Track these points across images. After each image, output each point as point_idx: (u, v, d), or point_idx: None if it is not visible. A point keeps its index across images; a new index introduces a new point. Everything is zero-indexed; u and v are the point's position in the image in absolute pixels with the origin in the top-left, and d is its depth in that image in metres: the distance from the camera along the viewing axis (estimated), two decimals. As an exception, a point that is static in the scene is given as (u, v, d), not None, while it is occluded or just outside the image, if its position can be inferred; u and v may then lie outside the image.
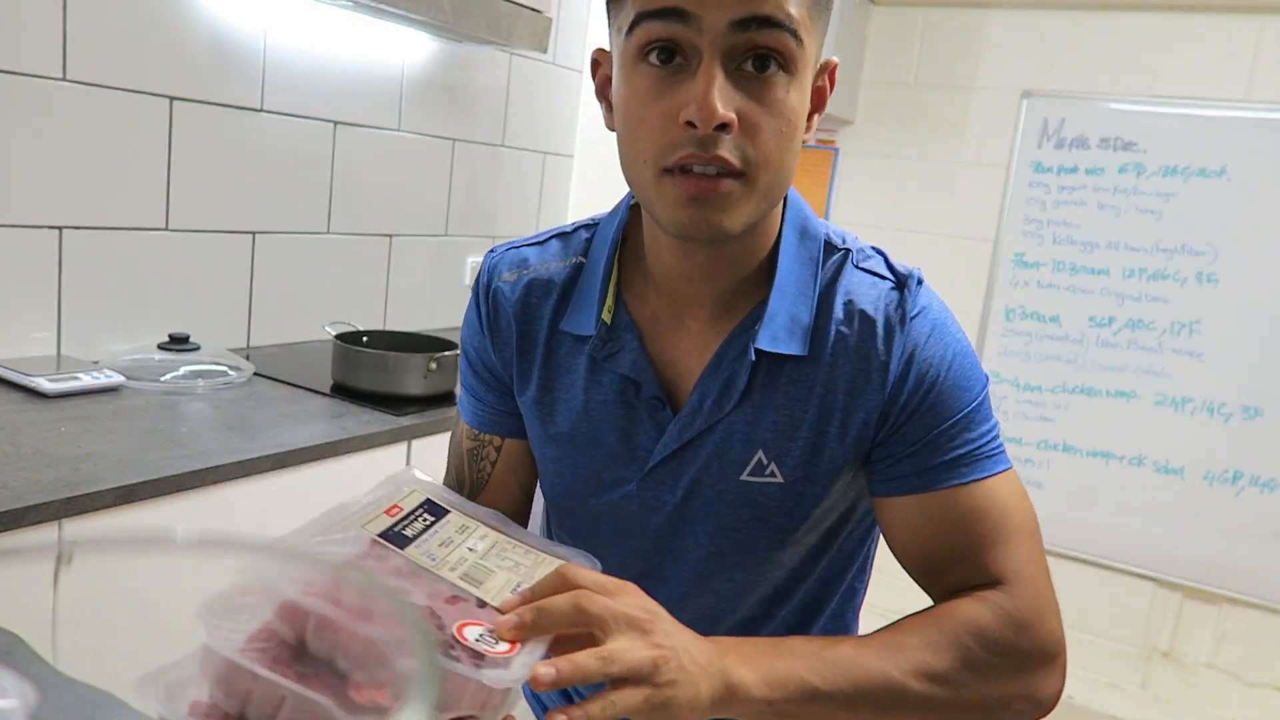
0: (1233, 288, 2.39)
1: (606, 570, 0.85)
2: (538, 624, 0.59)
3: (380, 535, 0.65)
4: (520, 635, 0.58)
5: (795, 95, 0.69)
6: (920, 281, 0.79)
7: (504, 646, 0.57)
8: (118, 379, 1.51)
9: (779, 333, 0.76)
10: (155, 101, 1.67)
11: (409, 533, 0.66)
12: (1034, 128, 2.57)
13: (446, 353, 1.72)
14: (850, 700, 0.67)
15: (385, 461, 1.55)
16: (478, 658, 0.55)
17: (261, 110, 1.86)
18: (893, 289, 0.78)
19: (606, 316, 0.81)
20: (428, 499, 0.72)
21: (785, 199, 0.80)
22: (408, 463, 1.60)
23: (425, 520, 0.69)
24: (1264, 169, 2.33)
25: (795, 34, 0.67)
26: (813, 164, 2.81)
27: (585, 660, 0.57)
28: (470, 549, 0.67)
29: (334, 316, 2.03)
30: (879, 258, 0.81)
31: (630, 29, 0.68)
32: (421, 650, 0.25)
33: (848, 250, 0.80)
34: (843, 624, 0.92)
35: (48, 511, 1.08)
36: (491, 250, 0.91)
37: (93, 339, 1.65)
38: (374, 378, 1.66)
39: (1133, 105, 2.46)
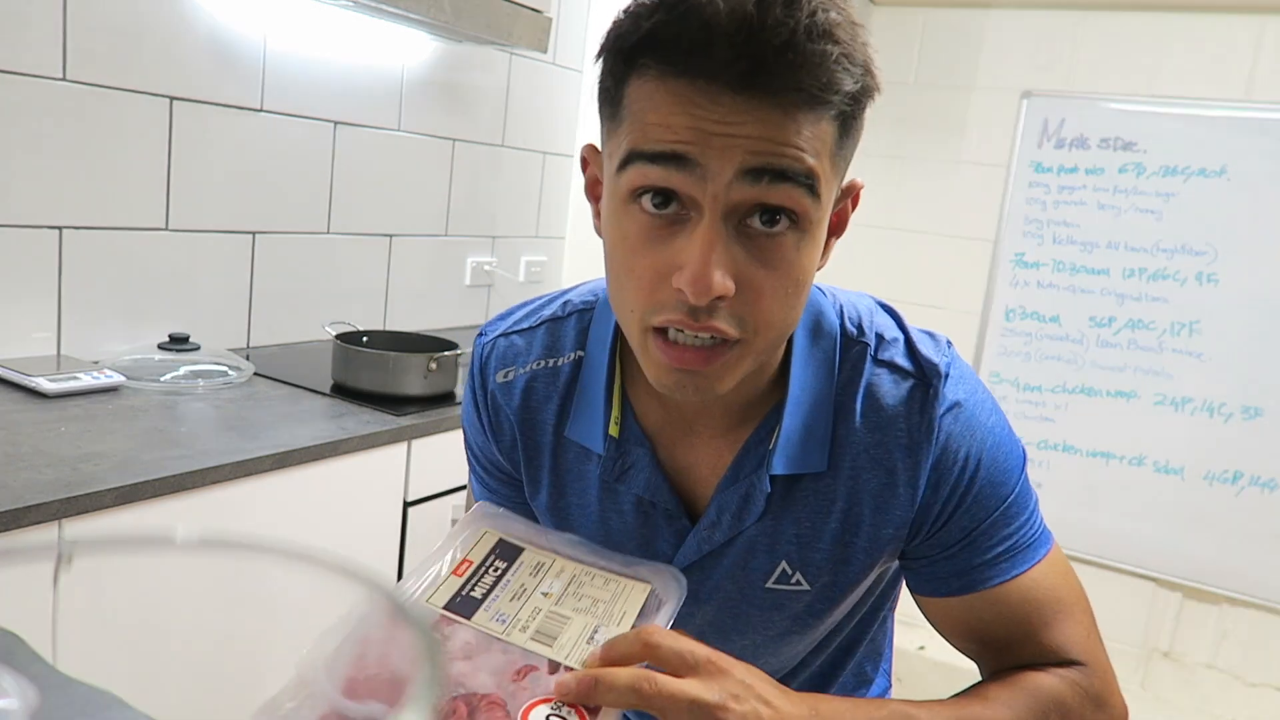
0: (1233, 288, 2.39)
1: None
2: (592, 696, 0.55)
3: (446, 606, 0.62)
4: (577, 701, 0.55)
5: (806, 252, 0.61)
6: (945, 365, 0.72)
7: None
8: (118, 379, 1.50)
9: (794, 452, 0.71)
10: (155, 101, 1.67)
11: (478, 593, 0.64)
12: (1034, 128, 2.57)
13: (446, 353, 1.72)
14: None
15: (385, 461, 1.55)
16: None
17: (261, 110, 1.86)
18: (915, 386, 0.71)
19: (614, 430, 0.75)
20: (500, 540, 0.69)
21: None
22: (407, 462, 1.60)
23: (496, 570, 0.66)
24: (1264, 169, 2.33)
25: (812, 188, 0.58)
26: (813, 164, 2.81)
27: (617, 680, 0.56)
28: (544, 594, 0.64)
29: (334, 316, 2.03)
30: (899, 343, 0.74)
31: (623, 165, 0.60)
32: (425, 654, 0.25)
33: (865, 344, 0.73)
34: (875, 648, 0.91)
35: (48, 511, 1.08)
36: (481, 333, 0.84)
37: (93, 339, 1.65)
38: (374, 378, 1.66)
39: (1133, 105, 2.46)
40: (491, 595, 0.64)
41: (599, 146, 0.69)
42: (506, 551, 0.68)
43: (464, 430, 0.87)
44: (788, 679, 0.86)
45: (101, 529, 1.13)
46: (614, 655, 0.58)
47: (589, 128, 2.70)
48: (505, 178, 2.52)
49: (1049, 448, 2.64)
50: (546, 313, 0.82)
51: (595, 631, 0.61)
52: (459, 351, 1.75)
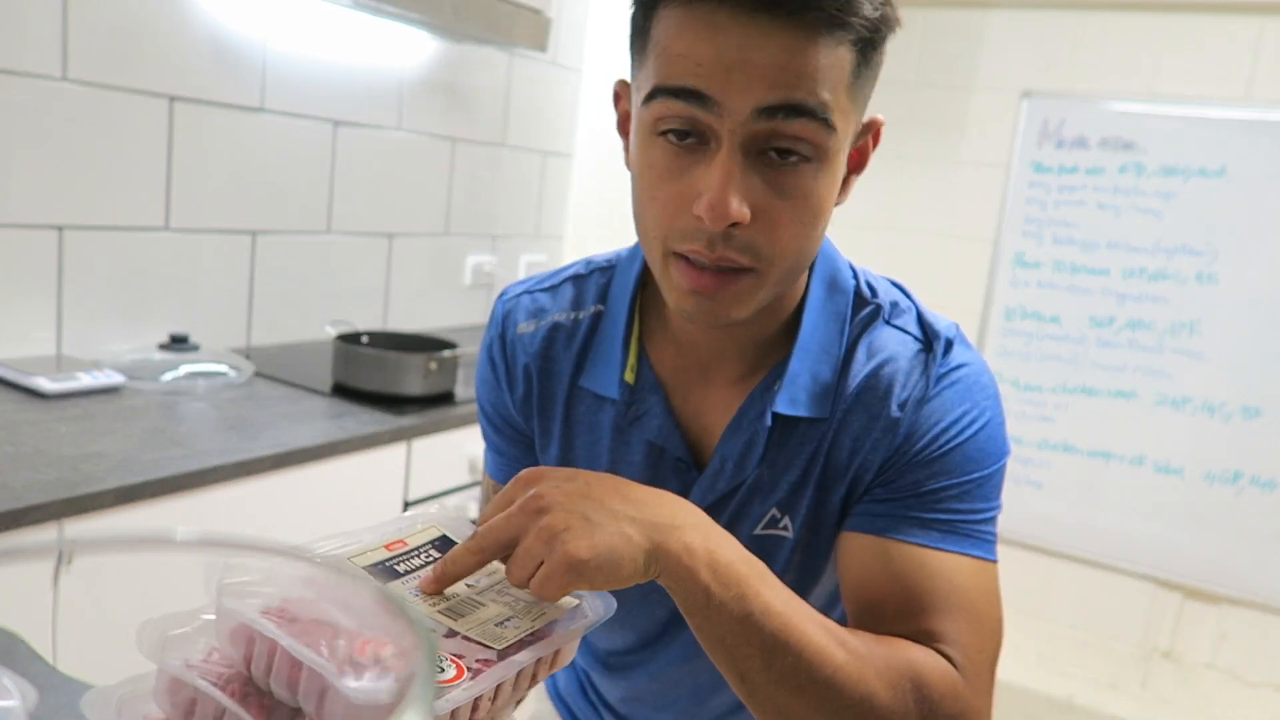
0: (1233, 288, 2.39)
1: (629, 621, 0.83)
2: (446, 574, 0.57)
3: (367, 568, 0.58)
4: (433, 588, 0.57)
5: (824, 181, 0.64)
6: (951, 343, 0.74)
7: (449, 674, 0.51)
8: (118, 379, 1.51)
9: (799, 395, 0.73)
10: (155, 101, 1.67)
11: (401, 568, 0.60)
12: (1034, 128, 2.57)
13: (446, 352, 1.72)
14: (771, 649, 0.60)
15: (385, 461, 1.55)
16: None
17: (261, 110, 1.86)
18: (920, 350, 0.74)
19: (630, 376, 0.77)
20: (443, 535, 0.65)
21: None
22: (407, 463, 1.60)
23: (428, 557, 0.61)
24: (1264, 169, 2.33)
25: (828, 121, 0.61)
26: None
27: (455, 552, 0.58)
28: (468, 585, 0.61)
29: (334, 316, 2.03)
30: (912, 313, 0.76)
31: (648, 99, 0.63)
32: (421, 650, 0.25)
33: (879, 306, 0.76)
34: None
35: (48, 511, 1.08)
36: (503, 294, 0.87)
37: (93, 339, 1.65)
38: (374, 378, 1.66)
39: (1133, 105, 2.46)
40: (413, 574, 0.60)
41: (629, 81, 0.71)
42: (445, 546, 0.64)
43: (478, 394, 0.89)
44: None
45: (101, 529, 1.13)
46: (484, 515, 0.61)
47: (589, 127, 2.71)
48: (505, 177, 2.52)
49: (1049, 448, 2.64)
50: (569, 272, 0.86)
51: (507, 620, 0.57)
52: (459, 351, 1.75)
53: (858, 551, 0.72)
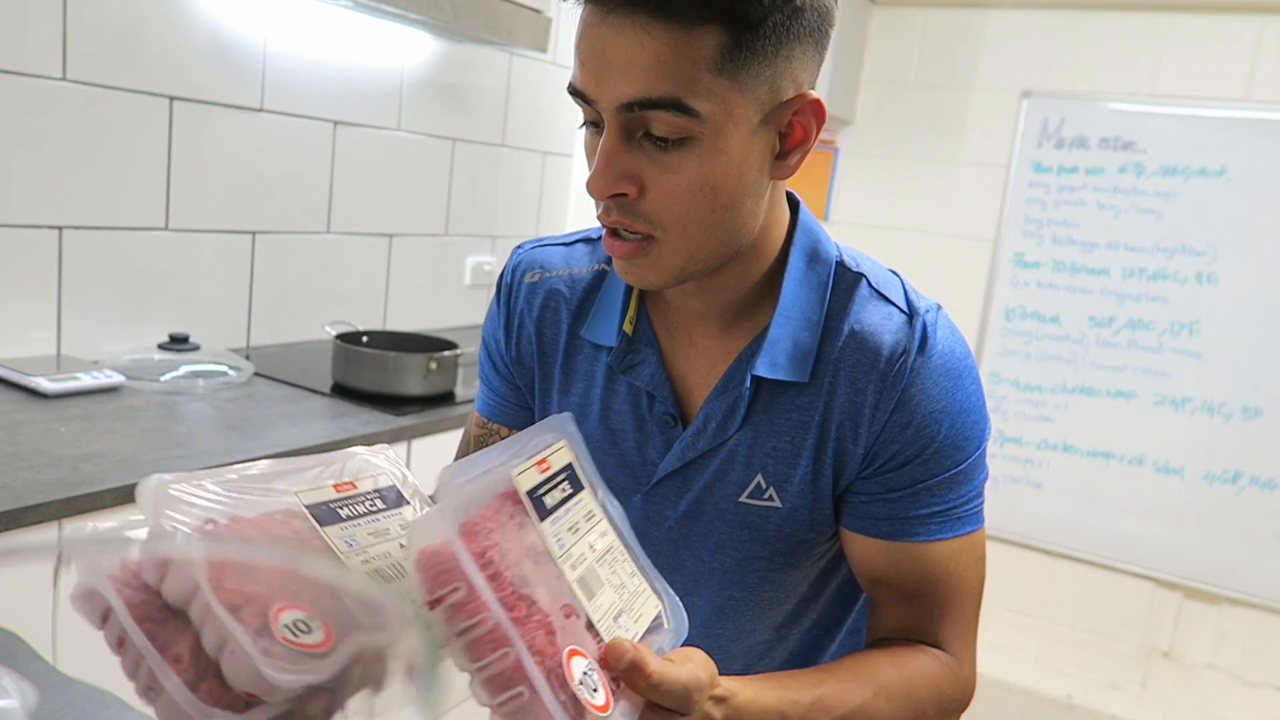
0: (1233, 288, 2.39)
1: None
2: (642, 686, 0.56)
3: (528, 493, 0.59)
4: (626, 680, 0.56)
5: (712, 159, 0.66)
6: (934, 318, 0.76)
7: (600, 699, 0.53)
8: (118, 379, 1.51)
9: (779, 359, 0.75)
10: (155, 101, 1.67)
11: (549, 501, 0.61)
12: (1034, 128, 2.57)
13: (446, 352, 1.72)
14: None
15: (385, 461, 1.55)
16: (575, 707, 0.52)
17: (261, 110, 1.86)
18: (904, 323, 0.75)
19: (628, 328, 0.81)
20: (570, 464, 0.65)
21: (795, 222, 0.78)
22: (407, 462, 1.60)
23: (564, 491, 0.63)
24: (1264, 169, 2.33)
25: (688, 109, 0.63)
26: (812, 164, 2.81)
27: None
28: (591, 546, 0.62)
29: (334, 316, 2.03)
30: (896, 284, 0.78)
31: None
32: (422, 652, 0.25)
33: (862, 275, 0.78)
34: (859, 639, 0.92)
35: (48, 511, 1.08)
36: (520, 245, 0.91)
37: (93, 339, 1.65)
38: (374, 378, 1.66)
39: (1133, 105, 2.46)
40: (557, 514, 0.61)
41: None
42: (573, 480, 0.65)
43: (483, 332, 0.94)
44: (767, 655, 0.87)
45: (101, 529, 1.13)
46: (657, 684, 0.57)
47: (589, 128, 2.70)
48: (505, 177, 2.52)
49: (1049, 448, 2.64)
50: (584, 233, 0.90)
51: (620, 615, 0.60)
52: (459, 351, 1.76)
53: (866, 549, 0.78)
